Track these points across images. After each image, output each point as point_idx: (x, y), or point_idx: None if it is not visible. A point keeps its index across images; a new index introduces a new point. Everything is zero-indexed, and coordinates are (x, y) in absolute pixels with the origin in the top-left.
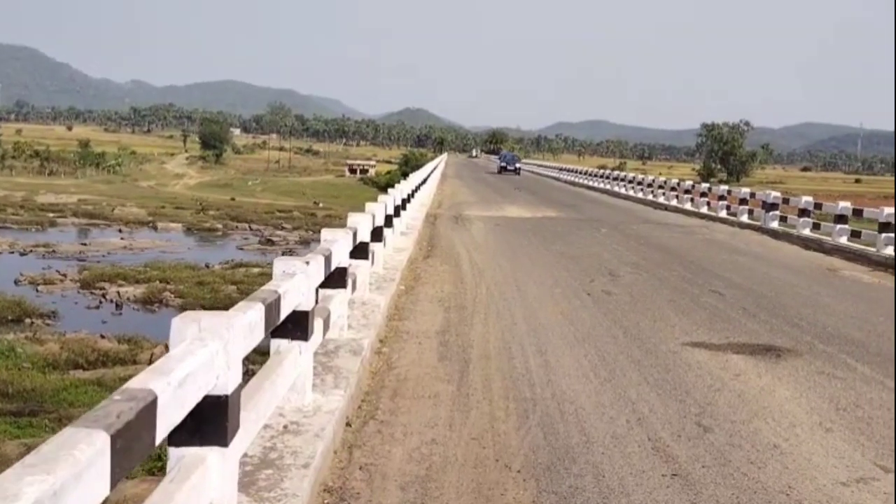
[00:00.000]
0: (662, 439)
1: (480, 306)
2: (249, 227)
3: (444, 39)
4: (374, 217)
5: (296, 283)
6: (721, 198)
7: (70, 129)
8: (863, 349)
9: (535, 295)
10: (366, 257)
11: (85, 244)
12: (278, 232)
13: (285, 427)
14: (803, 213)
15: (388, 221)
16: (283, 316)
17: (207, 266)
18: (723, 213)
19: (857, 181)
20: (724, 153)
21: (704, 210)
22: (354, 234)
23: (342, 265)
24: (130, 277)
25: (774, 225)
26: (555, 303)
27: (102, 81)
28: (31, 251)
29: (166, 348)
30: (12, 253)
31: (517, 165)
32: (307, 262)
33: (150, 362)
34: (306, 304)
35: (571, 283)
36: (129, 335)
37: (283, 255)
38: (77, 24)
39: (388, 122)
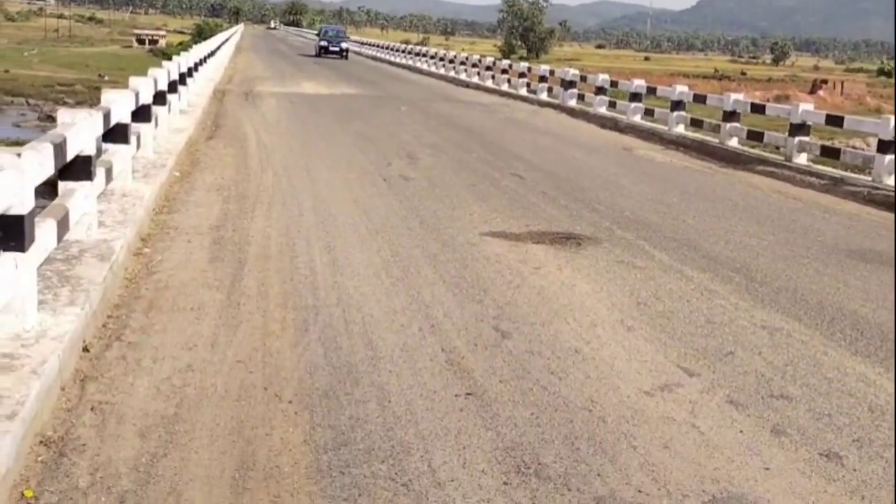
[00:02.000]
0: (457, 349)
1: (265, 195)
2: (27, 101)
3: None
4: (138, 93)
5: (2, 181)
6: (521, 75)
7: None
8: (660, 234)
9: (326, 181)
10: (126, 141)
11: None
12: (59, 107)
13: None
14: (600, 91)
15: (161, 98)
16: None
17: None
18: (523, 91)
19: (647, 59)
20: (524, 29)
21: (505, 88)
22: (107, 115)
23: (86, 153)
24: None
25: (573, 103)
26: (348, 190)
27: None
28: None
29: None
30: None
31: (343, 46)
32: (18, 155)
33: None
34: (20, 207)
35: (367, 167)
36: None
37: None
38: None
39: None
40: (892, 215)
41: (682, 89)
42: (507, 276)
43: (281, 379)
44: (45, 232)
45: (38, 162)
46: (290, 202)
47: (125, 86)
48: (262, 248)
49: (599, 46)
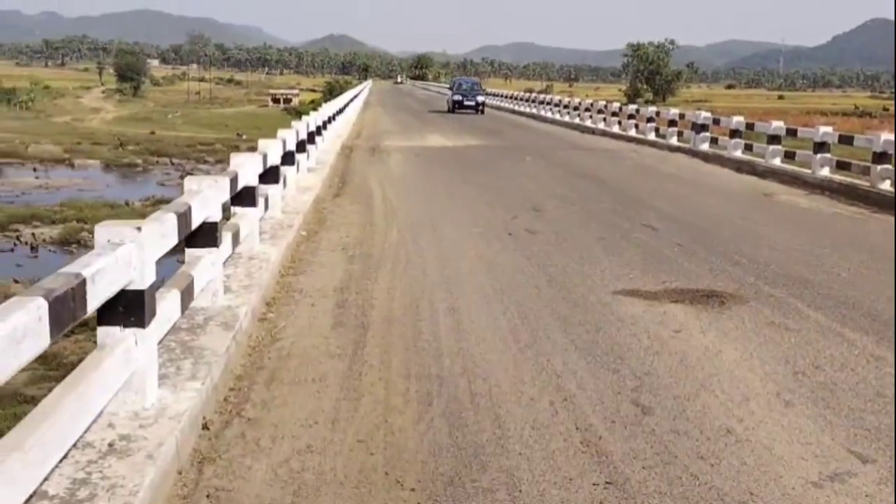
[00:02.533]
0: (593, 428)
1: (389, 253)
2: (171, 161)
3: None
4: (266, 156)
5: (122, 256)
6: (649, 120)
7: None
8: (812, 290)
9: (451, 237)
10: (253, 204)
11: None
12: (200, 166)
13: (111, 445)
14: (734, 133)
15: (290, 158)
16: (91, 307)
17: (127, 203)
18: (651, 136)
19: (781, 97)
20: (650, 73)
21: (633, 133)
22: (234, 179)
23: (212, 220)
24: (46, 218)
25: (705, 147)
26: (473, 246)
27: (12, 13)
28: None
29: None
30: None
31: (479, 99)
32: (139, 228)
33: None
34: (140, 282)
35: (493, 220)
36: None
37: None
38: None
39: (311, 49)
40: None
41: (825, 130)
42: (644, 340)
43: (403, 462)
44: (168, 303)
45: (161, 233)
46: (415, 260)
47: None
48: (385, 310)
49: (729, 87)
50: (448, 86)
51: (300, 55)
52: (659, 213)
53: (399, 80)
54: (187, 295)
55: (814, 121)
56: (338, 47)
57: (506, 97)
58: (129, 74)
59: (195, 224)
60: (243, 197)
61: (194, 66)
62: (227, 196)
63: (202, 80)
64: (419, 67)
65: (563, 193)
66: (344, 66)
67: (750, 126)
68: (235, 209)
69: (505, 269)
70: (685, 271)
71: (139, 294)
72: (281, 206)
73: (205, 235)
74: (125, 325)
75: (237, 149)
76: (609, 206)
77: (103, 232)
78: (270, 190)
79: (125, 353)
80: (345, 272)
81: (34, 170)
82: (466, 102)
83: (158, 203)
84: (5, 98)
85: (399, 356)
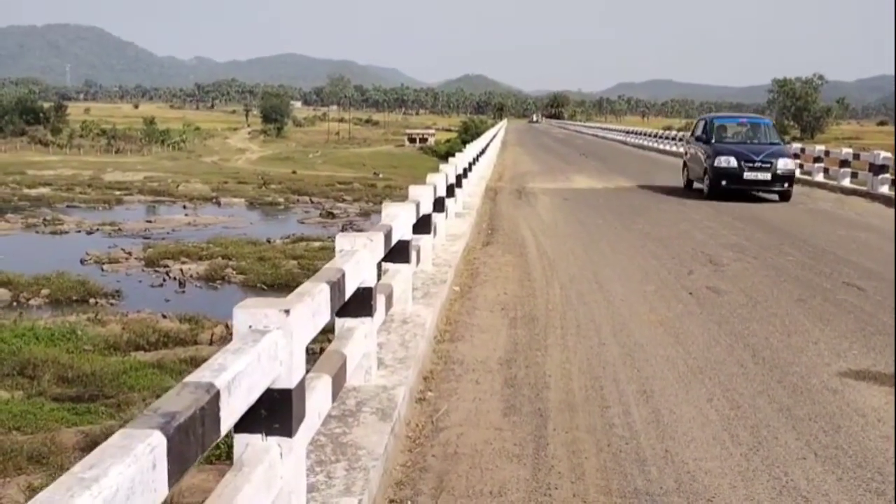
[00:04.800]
0: None
1: (555, 316)
2: (311, 200)
3: (500, 2)
4: (418, 205)
5: (266, 349)
6: (817, 159)
7: (137, 107)
8: None
9: (621, 296)
10: (407, 259)
11: (150, 221)
12: (339, 204)
13: None
14: None
15: (440, 204)
16: (225, 427)
17: (269, 241)
18: (819, 177)
19: None
20: (797, 109)
21: (797, 174)
22: (388, 234)
23: (366, 284)
24: (193, 254)
25: (885, 190)
26: (650, 307)
27: (167, 59)
28: (97, 230)
29: (226, 327)
30: (79, 232)
31: (782, 166)
32: (287, 311)
33: (211, 342)
34: (287, 379)
35: (665, 275)
36: (190, 314)
37: (342, 229)
38: (142, 2)
39: (447, 89)
40: None
41: None
42: None
43: None
44: (318, 395)
45: (313, 311)
46: (586, 325)
47: (396, 183)
48: (563, 392)
49: (881, 123)
50: (691, 133)
51: (436, 95)
52: (858, 269)
53: (535, 118)
54: (339, 379)
55: None
56: (473, 87)
57: (647, 135)
58: (274, 116)
59: (349, 292)
60: (397, 252)
61: (334, 107)
62: (381, 255)
63: (341, 120)
64: (554, 106)
65: (738, 243)
66: (479, 106)
67: None
68: (387, 265)
69: (696, 340)
70: None
71: (286, 394)
72: (432, 258)
73: (358, 303)
74: (268, 433)
75: (374, 187)
76: (797, 259)
77: (244, 316)
78: (422, 241)
79: (267, 471)
80: (508, 339)
81: (184, 207)
82: (751, 176)
83: (299, 241)
84: (160, 139)
85: (592, 460)
